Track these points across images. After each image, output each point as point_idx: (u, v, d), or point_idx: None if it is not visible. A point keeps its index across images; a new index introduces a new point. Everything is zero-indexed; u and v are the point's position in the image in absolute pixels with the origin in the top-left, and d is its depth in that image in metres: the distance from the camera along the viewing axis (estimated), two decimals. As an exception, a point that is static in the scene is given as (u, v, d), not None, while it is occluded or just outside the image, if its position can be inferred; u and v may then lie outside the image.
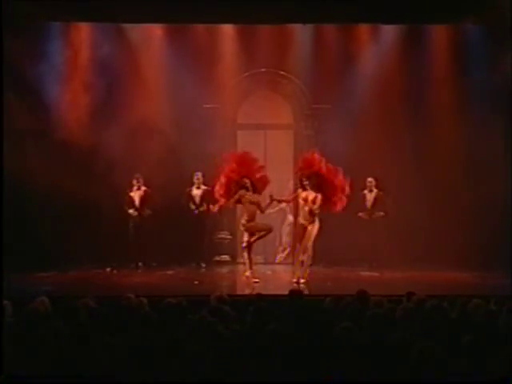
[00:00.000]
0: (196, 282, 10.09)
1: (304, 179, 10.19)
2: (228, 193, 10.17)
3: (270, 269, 12.08)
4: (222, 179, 10.17)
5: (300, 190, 10.32)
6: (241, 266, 12.56)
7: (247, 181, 10.17)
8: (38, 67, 11.93)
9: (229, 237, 13.21)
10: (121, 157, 11.82)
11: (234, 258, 13.12)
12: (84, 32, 12.52)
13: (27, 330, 4.97)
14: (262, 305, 5.56)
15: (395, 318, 5.21)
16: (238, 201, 10.21)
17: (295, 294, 6.50)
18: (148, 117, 12.25)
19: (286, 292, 6.59)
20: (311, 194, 10.13)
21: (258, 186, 10.35)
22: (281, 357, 4.26)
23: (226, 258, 13.03)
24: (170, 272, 11.09)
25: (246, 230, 10.23)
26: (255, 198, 10.23)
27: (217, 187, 10.20)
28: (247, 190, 10.15)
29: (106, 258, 11.58)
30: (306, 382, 4.11)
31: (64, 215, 11.98)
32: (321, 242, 12.30)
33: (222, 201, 10.17)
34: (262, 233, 10.28)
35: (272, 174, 13.38)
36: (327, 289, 9.59)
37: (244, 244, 10.31)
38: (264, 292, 7.29)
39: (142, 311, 5.55)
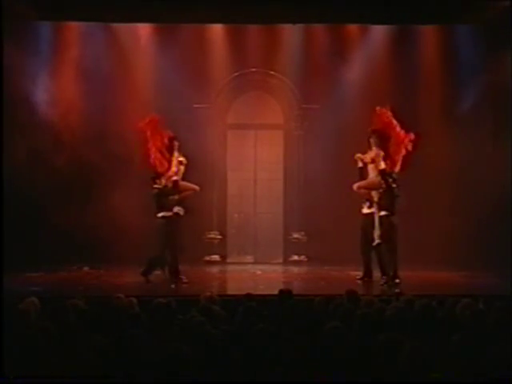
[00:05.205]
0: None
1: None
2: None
3: (259, 269, 12.07)
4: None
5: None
6: (231, 266, 12.61)
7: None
8: (27, 66, 11.90)
9: (219, 237, 13.22)
10: (110, 157, 11.81)
11: (223, 257, 13.12)
12: (73, 31, 12.50)
13: (17, 330, 4.95)
14: (252, 305, 5.56)
15: (385, 318, 5.23)
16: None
17: (285, 294, 6.51)
18: (137, 117, 12.21)
19: (276, 292, 6.60)
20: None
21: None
22: (269, 357, 4.27)
23: (215, 258, 13.03)
24: (159, 272, 11.04)
25: None
26: None
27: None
28: None
29: (96, 258, 11.58)
30: (295, 382, 4.11)
31: (52, 215, 11.94)
32: (314, 240, 12.44)
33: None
34: None
35: (262, 174, 13.53)
36: (321, 288, 9.58)
37: None
38: (254, 292, 7.28)
39: (132, 311, 5.55)
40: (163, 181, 10.01)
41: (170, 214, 10.01)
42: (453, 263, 11.22)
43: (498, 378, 4.12)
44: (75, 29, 12.51)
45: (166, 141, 10.16)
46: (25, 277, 10.30)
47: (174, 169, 10.08)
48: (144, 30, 12.82)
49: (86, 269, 11.36)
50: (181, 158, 10.27)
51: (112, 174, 11.86)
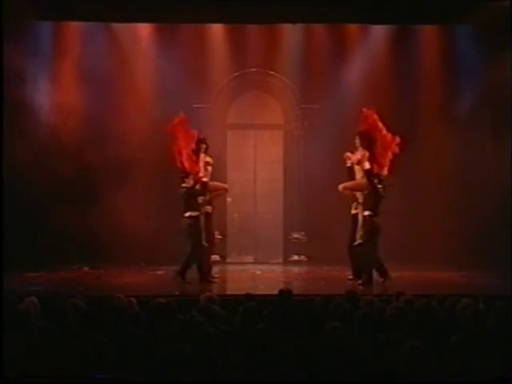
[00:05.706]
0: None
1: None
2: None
3: (259, 269, 12.06)
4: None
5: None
6: (231, 266, 12.60)
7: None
8: (27, 66, 11.89)
9: (219, 237, 13.19)
10: (110, 158, 11.81)
11: (223, 257, 13.11)
12: (73, 31, 12.51)
13: (17, 330, 4.95)
14: (252, 305, 5.56)
15: (385, 318, 5.23)
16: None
17: (285, 294, 6.51)
18: (137, 117, 12.23)
19: (276, 292, 6.59)
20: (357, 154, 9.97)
21: None
22: (269, 357, 4.27)
23: (215, 257, 12.99)
24: (159, 272, 11.05)
25: None
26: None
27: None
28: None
29: (96, 258, 11.58)
30: (295, 382, 4.11)
31: (52, 215, 11.95)
32: (314, 240, 12.43)
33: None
34: None
35: (262, 174, 13.53)
36: (321, 288, 9.57)
37: None
38: (254, 292, 7.29)
39: (132, 311, 5.55)
40: (191, 181, 10.01)
41: (196, 213, 10.02)
42: (453, 263, 11.23)
43: (498, 377, 4.12)
44: (75, 29, 12.52)
45: (194, 142, 10.17)
46: (25, 277, 10.29)
47: (201, 170, 10.09)
48: (144, 30, 12.82)
49: (85, 269, 11.38)
50: (207, 159, 10.32)
51: (112, 174, 11.87)
